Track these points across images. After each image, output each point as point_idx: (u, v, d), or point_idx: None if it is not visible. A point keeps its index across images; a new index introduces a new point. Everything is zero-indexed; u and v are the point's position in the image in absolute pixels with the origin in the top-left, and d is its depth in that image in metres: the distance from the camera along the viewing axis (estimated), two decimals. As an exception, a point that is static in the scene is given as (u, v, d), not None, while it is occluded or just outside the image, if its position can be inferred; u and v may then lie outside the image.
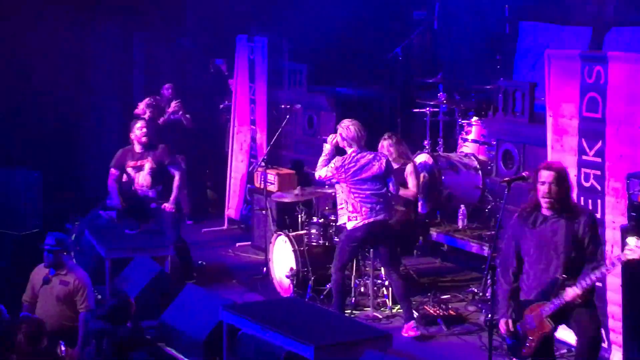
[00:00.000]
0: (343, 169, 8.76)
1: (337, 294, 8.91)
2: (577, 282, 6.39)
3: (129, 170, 10.39)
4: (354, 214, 8.76)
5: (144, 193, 10.39)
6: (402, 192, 9.51)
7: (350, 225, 8.81)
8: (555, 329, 6.53)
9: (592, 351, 6.54)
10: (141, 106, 12.02)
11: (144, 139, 10.28)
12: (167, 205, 10.27)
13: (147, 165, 10.33)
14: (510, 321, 6.60)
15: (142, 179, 10.36)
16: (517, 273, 6.68)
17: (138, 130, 10.30)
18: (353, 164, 8.76)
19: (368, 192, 8.74)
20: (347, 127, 8.86)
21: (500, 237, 7.00)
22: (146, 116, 11.69)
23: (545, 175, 6.53)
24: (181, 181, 10.44)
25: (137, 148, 10.36)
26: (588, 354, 6.53)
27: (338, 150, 9.03)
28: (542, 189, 6.52)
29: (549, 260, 6.54)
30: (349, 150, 8.84)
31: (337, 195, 9.25)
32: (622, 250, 6.38)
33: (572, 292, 6.39)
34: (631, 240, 6.23)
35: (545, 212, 6.58)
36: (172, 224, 10.40)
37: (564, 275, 6.46)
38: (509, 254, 6.74)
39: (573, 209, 6.62)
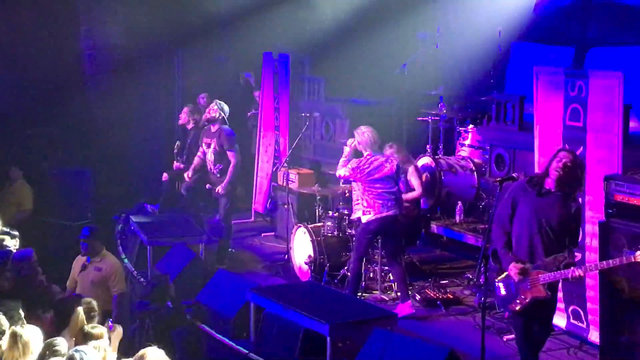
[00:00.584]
0: (359, 170, 8.76)
1: (353, 279, 8.90)
2: (581, 266, 6.45)
3: (203, 145, 10.63)
4: (368, 209, 8.76)
5: (209, 167, 10.56)
6: (408, 195, 9.52)
7: (364, 219, 8.81)
8: (548, 297, 6.48)
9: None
10: (183, 116, 12.04)
11: (205, 116, 10.58)
12: (219, 189, 10.38)
13: (213, 144, 10.47)
14: (519, 263, 6.49)
15: (210, 155, 10.55)
16: (510, 230, 6.64)
17: (208, 109, 10.59)
18: (367, 166, 8.75)
19: (380, 190, 8.74)
20: (363, 132, 8.89)
21: (491, 229, 6.95)
22: (190, 124, 11.72)
23: (564, 155, 6.54)
24: (236, 168, 10.48)
25: (212, 128, 10.55)
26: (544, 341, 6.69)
27: (356, 153, 9.01)
28: (558, 165, 6.48)
29: (538, 228, 6.50)
30: (365, 153, 8.84)
31: (353, 193, 9.24)
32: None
33: (576, 273, 6.38)
34: None
35: (549, 185, 6.54)
36: (223, 207, 10.53)
37: (564, 255, 6.44)
38: (505, 212, 6.68)
39: (573, 195, 6.59)
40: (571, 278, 6.42)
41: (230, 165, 10.41)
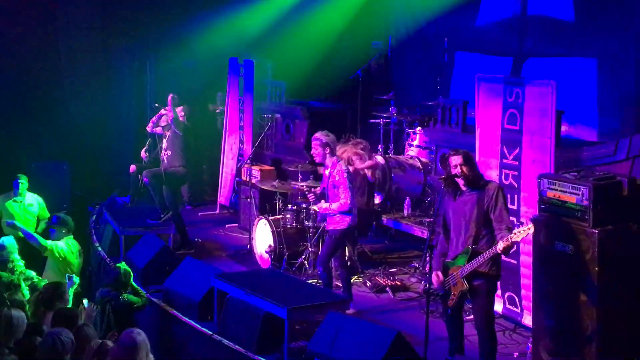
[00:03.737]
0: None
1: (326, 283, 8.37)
2: (494, 244, 6.37)
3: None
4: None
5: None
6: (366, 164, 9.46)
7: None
8: (467, 289, 6.52)
9: (488, 324, 6.65)
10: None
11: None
12: None
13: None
14: (440, 273, 6.64)
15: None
16: (446, 237, 6.72)
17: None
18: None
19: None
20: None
21: (436, 223, 7.00)
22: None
23: (456, 159, 6.58)
24: None
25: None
26: (483, 326, 6.65)
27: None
28: (456, 171, 6.55)
29: (461, 227, 6.58)
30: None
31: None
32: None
33: (474, 265, 6.43)
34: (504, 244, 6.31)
35: (462, 187, 6.62)
36: None
37: (473, 246, 6.49)
38: (439, 219, 6.80)
39: (483, 184, 6.61)
40: (478, 266, 6.47)
41: None
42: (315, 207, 8.60)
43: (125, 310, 7.76)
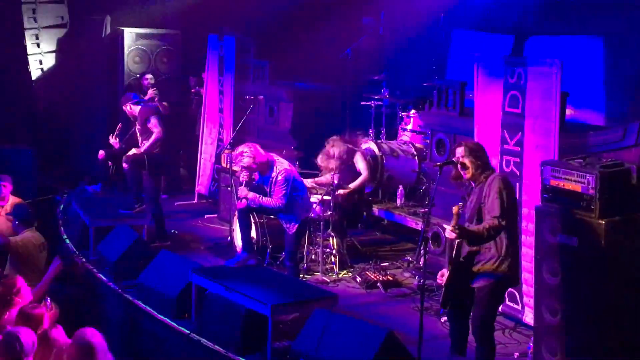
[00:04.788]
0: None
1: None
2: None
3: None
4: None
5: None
6: (357, 182, 9.58)
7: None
8: (448, 284, 6.45)
9: (481, 327, 6.61)
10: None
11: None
12: None
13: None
14: (445, 271, 6.59)
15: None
16: None
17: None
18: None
19: None
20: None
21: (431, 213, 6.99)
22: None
23: (458, 151, 6.58)
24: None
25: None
26: (476, 327, 6.62)
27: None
28: (459, 164, 6.54)
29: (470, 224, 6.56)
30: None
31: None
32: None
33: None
34: (447, 226, 6.31)
35: (472, 183, 6.59)
36: None
37: (458, 240, 6.46)
38: None
39: (487, 176, 6.55)
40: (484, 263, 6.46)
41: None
42: (243, 193, 8.72)
43: (70, 305, 7.71)
